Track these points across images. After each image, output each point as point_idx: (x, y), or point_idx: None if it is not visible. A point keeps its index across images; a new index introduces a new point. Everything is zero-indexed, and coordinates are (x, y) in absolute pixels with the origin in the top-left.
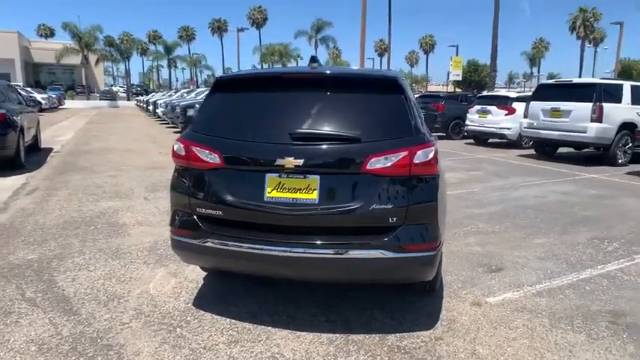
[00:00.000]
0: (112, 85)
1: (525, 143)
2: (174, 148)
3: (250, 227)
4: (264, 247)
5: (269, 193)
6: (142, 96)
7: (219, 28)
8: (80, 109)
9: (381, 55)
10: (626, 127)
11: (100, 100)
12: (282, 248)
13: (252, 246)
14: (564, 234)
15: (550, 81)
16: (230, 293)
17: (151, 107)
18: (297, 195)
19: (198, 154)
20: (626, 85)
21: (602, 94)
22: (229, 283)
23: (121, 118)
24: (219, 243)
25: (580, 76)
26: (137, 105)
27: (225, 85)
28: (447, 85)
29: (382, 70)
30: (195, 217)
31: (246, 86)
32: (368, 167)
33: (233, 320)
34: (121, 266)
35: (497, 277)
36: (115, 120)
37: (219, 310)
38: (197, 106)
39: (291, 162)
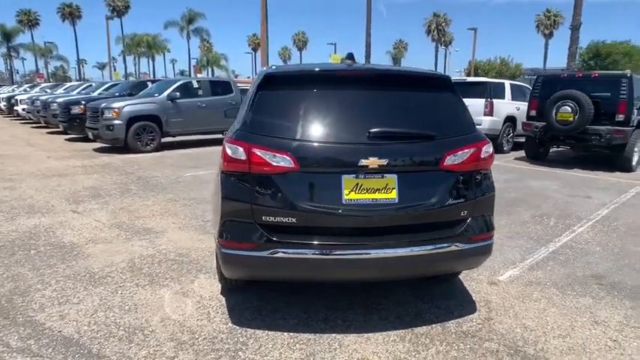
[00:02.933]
0: None
1: None
2: (229, 152)
3: (326, 232)
4: (345, 251)
5: (347, 195)
6: None
7: (70, 14)
8: None
9: (254, 50)
10: (509, 119)
11: None
12: (363, 251)
13: (331, 251)
14: (510, 214)
15: None
16: (263, 306)
17: (3, 104)
18: (376, 195)
19: (264, 157)
20: (507, 84)
21: (491, 91)
22: (254, 295)
23: None
24: (293, 252)
25: None
26: None
27: (278, 82)
28: None
29: (430, 70)
30: (259, 226)
31: (304, 83)
32: (445, 163)
33: (291, 333)
34: (111, 293)
35: (492, 258)
36: None
37: (267, 325)
38: (83, 102)
39: (375, 162)
